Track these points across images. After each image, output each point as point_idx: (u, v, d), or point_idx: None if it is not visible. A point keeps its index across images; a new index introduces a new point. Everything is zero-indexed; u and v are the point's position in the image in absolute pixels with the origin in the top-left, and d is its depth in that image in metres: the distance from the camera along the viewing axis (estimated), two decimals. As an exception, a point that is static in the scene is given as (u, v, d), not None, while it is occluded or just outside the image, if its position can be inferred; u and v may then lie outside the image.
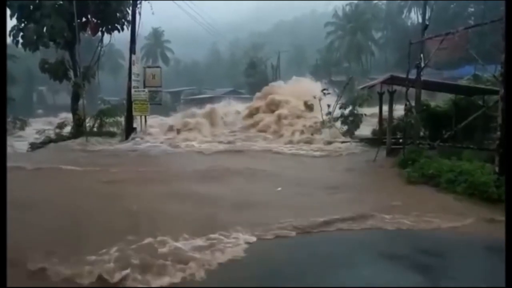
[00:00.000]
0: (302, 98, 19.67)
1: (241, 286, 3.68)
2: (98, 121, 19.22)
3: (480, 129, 10.98)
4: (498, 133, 6.88)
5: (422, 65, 10.04)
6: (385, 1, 59.52)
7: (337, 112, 17.21)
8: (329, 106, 17.70)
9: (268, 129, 18.70)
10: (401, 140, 11.57)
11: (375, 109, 13.93)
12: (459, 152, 9.04)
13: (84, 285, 3.70)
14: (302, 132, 17.28)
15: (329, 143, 15.16)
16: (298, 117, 18.93)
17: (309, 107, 18.95)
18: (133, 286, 3.66)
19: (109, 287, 3.65)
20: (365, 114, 16.29)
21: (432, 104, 12.75)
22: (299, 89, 21.46)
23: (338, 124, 16.84)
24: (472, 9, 41.88)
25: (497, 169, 6.80)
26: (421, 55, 10.10)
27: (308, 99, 18.93)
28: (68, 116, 19.74)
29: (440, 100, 13.47)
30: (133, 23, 18.27)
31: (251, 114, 21.45)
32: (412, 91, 10.61)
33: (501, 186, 6.41)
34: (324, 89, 18.53)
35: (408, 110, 10.88)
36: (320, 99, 17.75)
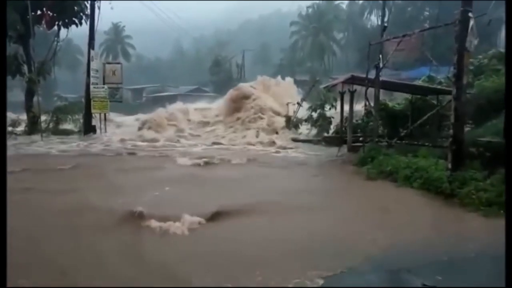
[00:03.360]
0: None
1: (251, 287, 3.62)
2: (55, 118, 18.49)
3: (435, 127, 11.51)
4: (451, 131, 7.22)
5: (381, 65, 10.38)
6: (346, 1, 61.04)
7: (303, 114, 17.45)
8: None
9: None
10: (361, 138, 11.91)
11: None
12: (415, 149, 9.40)
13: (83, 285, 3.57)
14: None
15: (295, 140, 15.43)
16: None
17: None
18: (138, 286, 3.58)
19: (111, 287, 3.52)
20: (333, 117, 16.41)
21: (390, 103, 13.22)
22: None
23: (303, 125, 17.06)
24: (428, 13, 43.69)
25: (449, 165, 7.13)
26: (380, 56, 10.44)
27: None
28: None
29: (398, 100, 13.99)
30: (91, 17, 17.69)
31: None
32: (371, 90, 10.94)
33: (454, 181, 6.74)
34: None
35: (367, 109, 11.22)
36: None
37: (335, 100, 15.72)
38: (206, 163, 10.14)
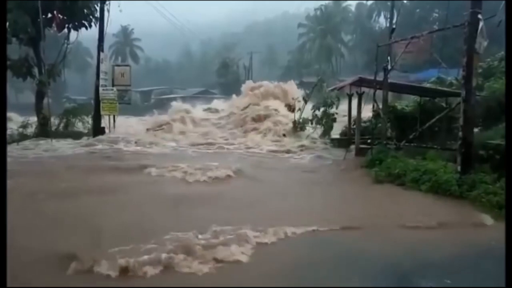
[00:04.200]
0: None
1: (243, 286, 3.66)
2: (64, 120, 18.67)
3: (443, 129, 11.42)
4: (460, 133, 7.16)
5: (389, 67, 10.34)
6: (354, 1, 60.90)
7: (308, 114, 17.37)
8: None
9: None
10: (369, 141, 11.85)
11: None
12: (424, 152, 9.35)
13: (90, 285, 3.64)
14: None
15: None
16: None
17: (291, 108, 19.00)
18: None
19: (111, 287, 3.58)
20: (336, 113, 16.25)
21: (399, 106, 13.13)
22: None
23: (309, 125, 16.99)
24: (437, 15, 43.42)
25: (459, 168, 7.08)
26: (388, 58, 10.41)
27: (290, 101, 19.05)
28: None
29: (406, 102, 13.90)
30: (101, 20, 17.79)
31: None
32: (379, 92, 10.90)
33: (463, 184, 6.69)
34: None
35: (375, 111, 11.18)
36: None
37: (338, 99, 15.71)
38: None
